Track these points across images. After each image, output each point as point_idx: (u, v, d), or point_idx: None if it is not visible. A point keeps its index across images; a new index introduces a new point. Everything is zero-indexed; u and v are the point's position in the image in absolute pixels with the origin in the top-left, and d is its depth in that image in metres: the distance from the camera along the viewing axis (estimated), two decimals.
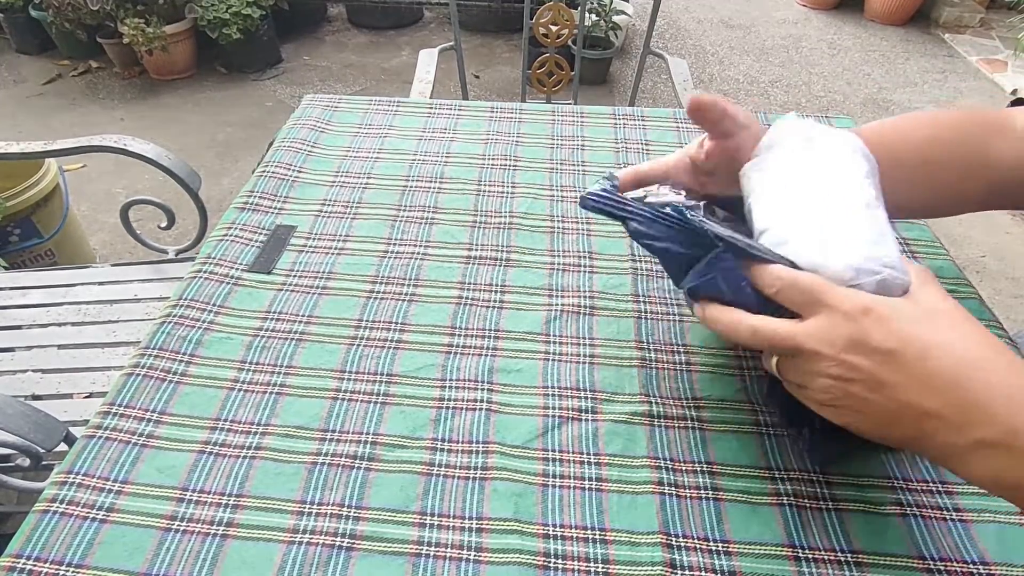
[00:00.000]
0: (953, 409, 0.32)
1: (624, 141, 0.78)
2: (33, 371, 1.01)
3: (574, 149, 0.77)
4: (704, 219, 0.42)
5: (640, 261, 0.62)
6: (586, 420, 0.49)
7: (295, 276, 0.60)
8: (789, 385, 0.40)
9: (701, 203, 0.47)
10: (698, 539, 0.42)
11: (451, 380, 0.51)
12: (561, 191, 0.70)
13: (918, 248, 0.63)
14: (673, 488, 0.45)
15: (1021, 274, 1.89)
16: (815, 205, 0.41)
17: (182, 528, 0.42)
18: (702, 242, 0.42)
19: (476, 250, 0.63)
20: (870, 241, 0.39)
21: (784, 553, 0.41)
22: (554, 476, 0.45)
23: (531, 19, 1.43)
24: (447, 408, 0.49)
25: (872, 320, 0.34)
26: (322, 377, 0.52)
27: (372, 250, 0.63)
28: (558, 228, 0.66)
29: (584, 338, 0.55)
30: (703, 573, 0.40)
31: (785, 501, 0.44)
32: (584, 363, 0.53)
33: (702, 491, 0.45)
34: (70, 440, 0.74)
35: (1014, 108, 0.52)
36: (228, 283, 0.59)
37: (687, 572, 0.40)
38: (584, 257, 0.63)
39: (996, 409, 0.31)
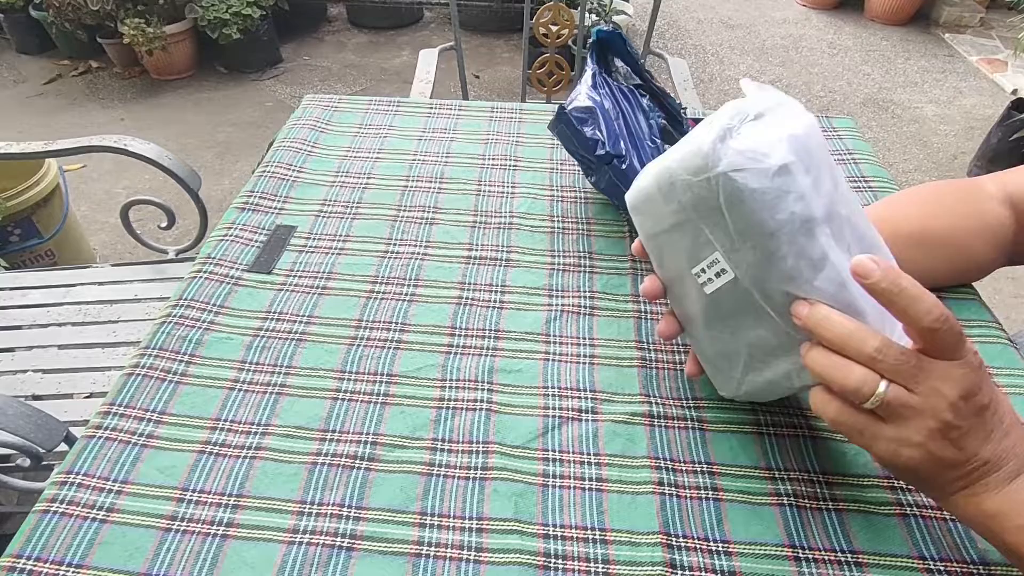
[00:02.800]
0: (999, 456, 0.36)
1: None
2: (33, 371, 1.01)
3: None
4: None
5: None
6: (586, 420, 0.49)
7: (295, 276, 0.60)
8: (861, 421, 0.37)
9: None
10: (698, 539, 0.42)
11: (451, 380, 0.51)
12: (561, 191, 0.70)
13: None
14: (673, 488, 0.45)
15: (1021, 274, 1.89)
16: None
17: (182, 528, 0.42)
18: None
19: (476, 250, 0.63)
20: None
21: (784, 553, 0.41)
22: (554, 476, 0.45)
23: (531, 19, 1.43)
24: (447, 408, 0.49)
25: (983, 373, 0.36)
26: (322, 377, 0.52)
27: (372, 250, 0.63)
28: (558, 228, 0.66)
29: (584, 338, 0.55)
30: (703, 573, 0.40)
31: (785, 501, 0.44)
32: (584, 363, 0.53)
33: (702, 491, 0.45)
34: (70, 440, 0.74)
35: (983, 177, 0.57)
36: (228, 283, 0.59)
37: (687, 572, 0.40)
38: (584, 257, 0.63)
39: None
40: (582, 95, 0.66)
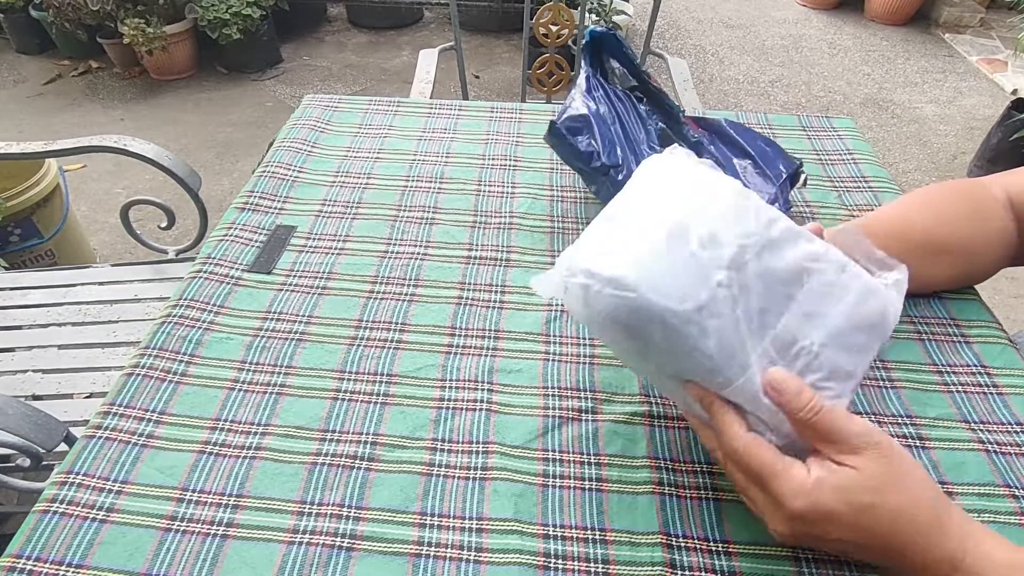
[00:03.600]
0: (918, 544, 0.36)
1: None
2: (33, 371, 1.01)
3: None
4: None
5: None
6: (586, 420, 0.49)
7: (295, 276, 0.60)
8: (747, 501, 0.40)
9: None
10: (698, 539, 0.42)
11: (451, 380, 0.51)
12: (561, 191, 0.70)
13: None
14: (673, 488, 0.45)
15: (1021, 274, 1.89)
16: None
17: (182, 528, 0.42)
18: None
19: (476, 250, 0.63)
20: (598, 251, 0.38)
21: (784, 553, 0.41)
22: (554, 476, 0.45)
23: (531, 19, 1.43)
24: (447, 408, 0.49)
25: (812, 521, 0.36)
26: (322, 377, 0.52)
27: (372, 250, 0.63)
28: (558, 228, 0.66)
29: (584, 338, 0.55)
30: (703, 573, 0.40)
31: None
32: (584, 363, 0.53)
33: (702, 491, 0.45)
34: (70, 440, 0.74)
35: (986, 179, 0.57)
36: (228, 283, 0.59)
37: (687, 572, 0.40)
38: None
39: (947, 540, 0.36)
40: (575, 102, 0.65)
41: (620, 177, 0.61)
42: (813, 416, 0.36)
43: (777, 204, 0.61)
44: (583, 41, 0.68)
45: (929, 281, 0.57)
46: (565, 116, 0.65)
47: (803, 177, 0.65)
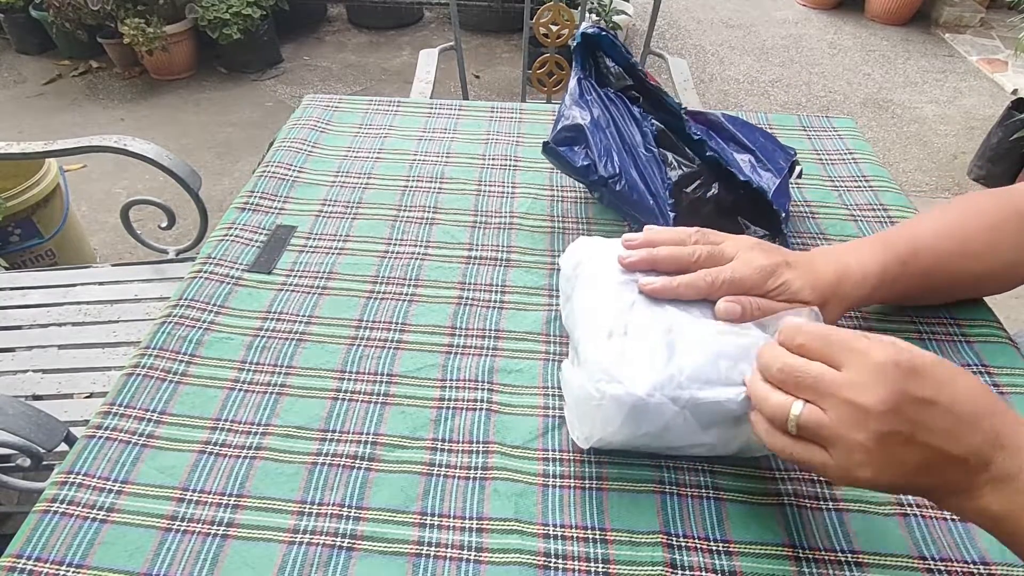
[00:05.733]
0: (976, 451, 0.33)
1: None
2: (34, 371, 1.01)
3: None
4: None
5: None
6: None
7: (295, 276, 0.60)
8: (804, 451, 0.36)
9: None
10: (699, 539, 0.42)
11: (451, 380, 0.51)
12: (561, 191, 0.70)
13: None
14: (674, 488, 0.45)
15: None
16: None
17: (182, 528, 0.42)
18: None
19: (476, 250, 0.63)
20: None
21: (784, 553, 0.41)
22: (554, 476, 0.45)
23: (531, 19, 1.43)
24: (447, 408, 0.49)
25: (907, 371, 0.33)
26: (322, 377, 0.52)
27: (372, 250, 0.63)
28: (558, 228, 0.66)
29: None
30: (703, 573, 0.40)
31: (785, 501, 0.44)
32: None
33: (703, 491, 0.45)
34: (70, 440, 0.74)
35: (1019, 185, 0.53)
36: (228, 283, 0.59)
37: (687, 572, 0.40)
38: None
39: (1013, 447, 0.33)
40: (568, 110, 0.64)
41: (618, 187, 0.61)
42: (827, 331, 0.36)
43: (783, 197, 0.61)
44: (574, 43, 0.66)
45: (946, 301, 0.57)
46: (558, 129, 0.64)
47: (798, 169, 0.65)
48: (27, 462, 0.77)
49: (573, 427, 0.45)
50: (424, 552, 0.41)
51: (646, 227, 0.51)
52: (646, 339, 0.43)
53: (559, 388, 0.51)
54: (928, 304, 0.56)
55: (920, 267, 0.50)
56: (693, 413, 0.40)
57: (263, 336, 0.55)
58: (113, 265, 1.21)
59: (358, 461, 0.46)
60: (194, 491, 0.44)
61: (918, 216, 0.55)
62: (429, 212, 0.68)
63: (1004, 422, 0.33)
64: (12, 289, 1.15)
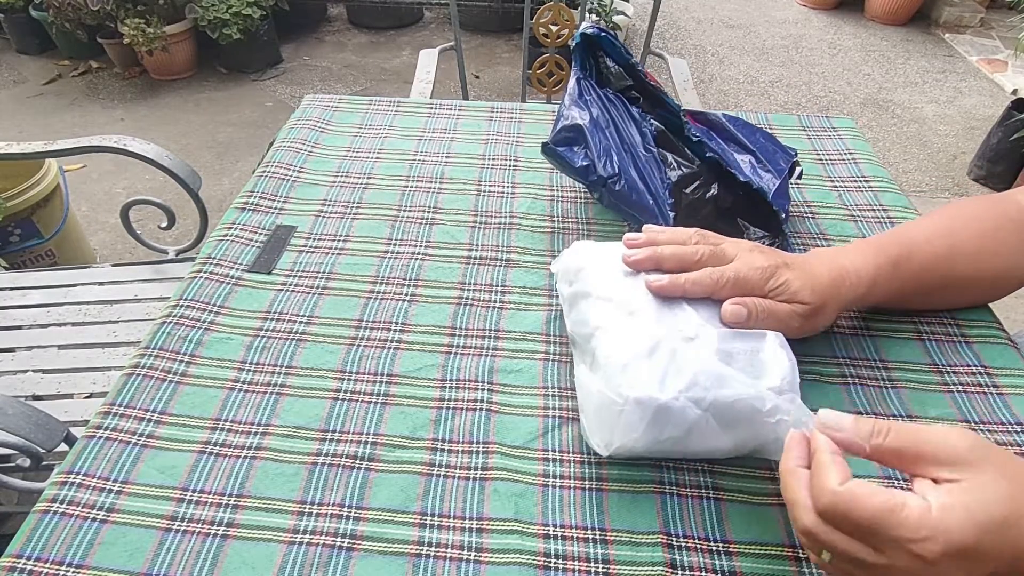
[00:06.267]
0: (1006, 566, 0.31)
1: None
2: (33, 371, 1.01)
3: None
4: None
5: None
6: None
7: (295, 276, 0.60)
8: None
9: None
10: (699, 539, 0.42)
11: (451, 380, 0.51)
12: (561, 191, 0.70)
13: None
14: (674, 488, 0.45)
15: None
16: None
17: (182, 528, 0.42)
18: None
19: (476, 250, 0.63)
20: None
21: (784, 553, 0.41)
22: (554, 476, 0.45)
23: (531, 19, 1.43)
24: (447, 408, 0.49)
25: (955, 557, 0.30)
26: (322, 377, 0.52)
27: (372, 250, 0.63)
28: (558, 228, 0.66)
29: None
30: (703, 573, 0.40)
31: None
32: None
33: (703, 491, 0.45)
34: (70, 440, 0.74)
35: (1016, 191, 0.54)
36: (228, 283, 0.59)
37: (687, 572, 0.40)
38: None
39: None
40: (567, 110, 0.64)
41: (618, 187, 0.61)
42: (885, 439, 0.33)
43: (783, 198, 0.61)
44: (573, 43, 0.67)
45: (941, 307, 0.57)
46: (558, 129, 0.64)
47: (799, 170, 0.65)
48: (27, 462, 0.77)
49: (592, 434, 0.44)
50: (424, 552, 0.41)
51: (645, 227, 0.51)
52: (662, 342, 0.43)
53: (559, 388, 0.51)
54: (923, 309, 0.57)
55: (912, 270, 0.51)
56: (715, 415, 0.40)
57: (263, 336, 0.55)
58: (113, 265, 1.21)
59: (358, 461, 0.46)
60: (194, 491, 0.44)
61: (911, 221, 0.55)
62: (429, 212, 0.68)
63: None
64: (12, 289, 1.15)
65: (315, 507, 0.43)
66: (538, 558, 0.41)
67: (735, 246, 0.48)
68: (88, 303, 1.11)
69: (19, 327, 1.08)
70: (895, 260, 0.50)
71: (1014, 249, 0.52)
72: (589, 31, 0.66)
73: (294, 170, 0.73)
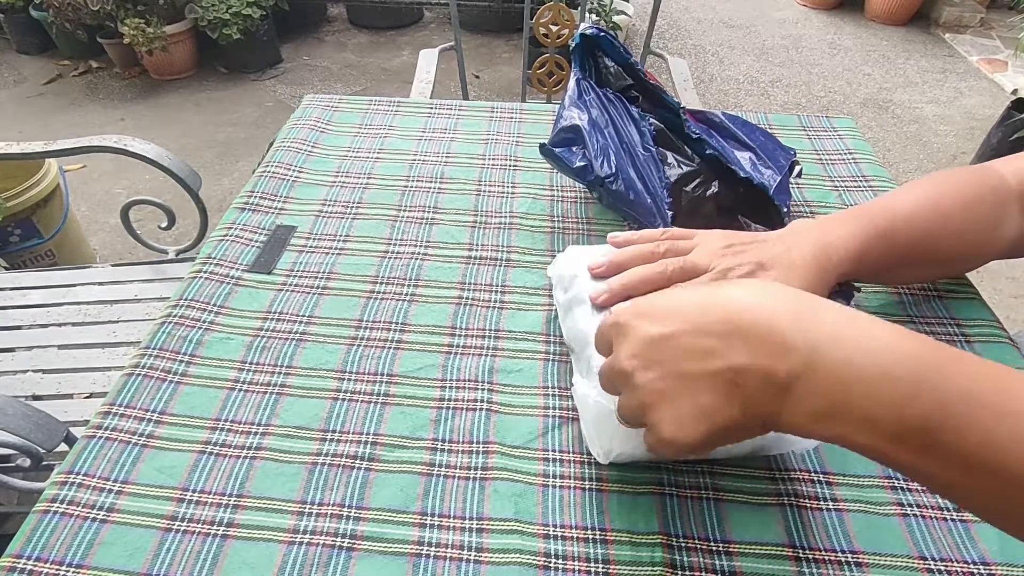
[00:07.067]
0: (757, 354, 0.31)
1: None
2: (33, 371, 1.01)
3: None
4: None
5: None
6: None
7: (295, 276, 0.60)
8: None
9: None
10: (699, 539, 0.42)
11: (451, 380, 0.51)
12: (561, 191, 0.70)
13: None
14: (674, 488, 0.45)
15: (1021, 274, 1.89)
16: None
17: (182, 528, 0.42)
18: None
19: (476, 250, 0.63)
20: None
21: (784, 553, 0.41)
22: (554, 476, 0.45)
23: (531, 19, 1.43)
24: (447, 408, 0.49)
25: (629, 319, 0.36)
26: (322, 377, 0.52)
27: (372, 250, 0.63)
28: (558, 228, 0.66)
29: None
30: (703, 573, 0.40)
31: (785, 501, 0.44)
32: None
33: (703, 491, 0.45)
34: (70, 440, 0.74)
35: (994, 162, 0.54)
36: (228, 283, 0.59)
37: (688, 572, 0.40)
38: None
39: (792, 337, 0.30)
40: (566, 111, 0.65)
41: (615, 187, 0.61)
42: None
43: (784, 194, 0.61)
44: (573, 43, 0.66)
45: (920, 279, 0.58)
46: (557, 130, 0.65)
47: (798, 168, 0.65)
48: (27, 462, 0.77)
49: (592, 443, 0.44)
50: (424, 552, 0.41)
51: (610, 236, 0.52)
52: None
53: (559, 388, 0.51)
54: (909, 281, 0.57)
55: (900, 240, 0.50)
56: None
57: (263, 336, 0.55)
58: (113, 265, 1.21)
59: (358, 461, 0.46)
60: (194, 491, 0.44)
61: (896, 190, 0.55)
62: (429, 212, 0.68)
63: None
64: (12, 289, 1.15)
65: (315, 507, 0.43)
66: (538, 558, 0.41)
67: (706, 254, 0.48)
68: (88, 303, 1.11)
69: (19, 327, 1.08)
70: (883, 231, 0.49)
71: (992, 217, 0.52)
72: (588, 32, 0.66)
73: (294, 170, 0.73)
